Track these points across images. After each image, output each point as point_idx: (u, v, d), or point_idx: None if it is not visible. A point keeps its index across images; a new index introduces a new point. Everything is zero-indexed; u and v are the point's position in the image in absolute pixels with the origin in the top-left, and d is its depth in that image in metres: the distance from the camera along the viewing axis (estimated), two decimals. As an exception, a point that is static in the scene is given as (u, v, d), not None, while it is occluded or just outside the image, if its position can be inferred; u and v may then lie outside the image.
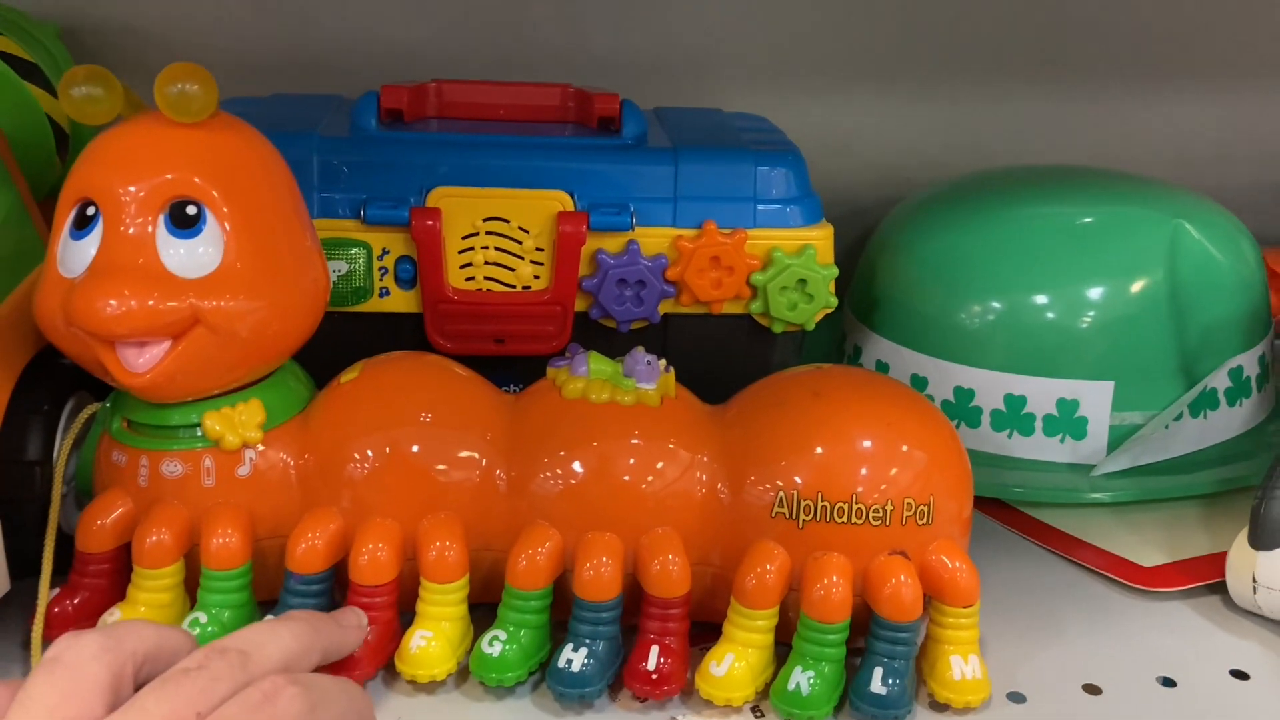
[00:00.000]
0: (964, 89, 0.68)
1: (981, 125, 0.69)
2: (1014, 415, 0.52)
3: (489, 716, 0.38)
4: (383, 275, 0.48)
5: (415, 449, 0.40)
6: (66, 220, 0.37)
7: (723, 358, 0.50)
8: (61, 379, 0.42)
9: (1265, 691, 0.40)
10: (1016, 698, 0.40)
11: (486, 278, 0.49)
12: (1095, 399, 0.51)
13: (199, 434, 0.39)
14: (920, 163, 0.67)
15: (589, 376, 0.41)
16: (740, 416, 0.41)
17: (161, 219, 0.36)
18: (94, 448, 0.42)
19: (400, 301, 0.49)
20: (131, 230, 0.36)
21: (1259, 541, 0.43)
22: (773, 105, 0.62)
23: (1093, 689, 0.40)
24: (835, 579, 0.38)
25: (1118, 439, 0.51)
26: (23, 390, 0.40)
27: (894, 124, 0.68)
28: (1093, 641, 0.43)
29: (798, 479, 0.38)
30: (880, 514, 0.38)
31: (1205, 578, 0.46)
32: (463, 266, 0.48)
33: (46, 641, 0.38)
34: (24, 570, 0.40)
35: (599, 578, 0.38)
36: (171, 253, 0.36)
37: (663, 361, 0.42)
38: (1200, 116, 0.70)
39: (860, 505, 0.38)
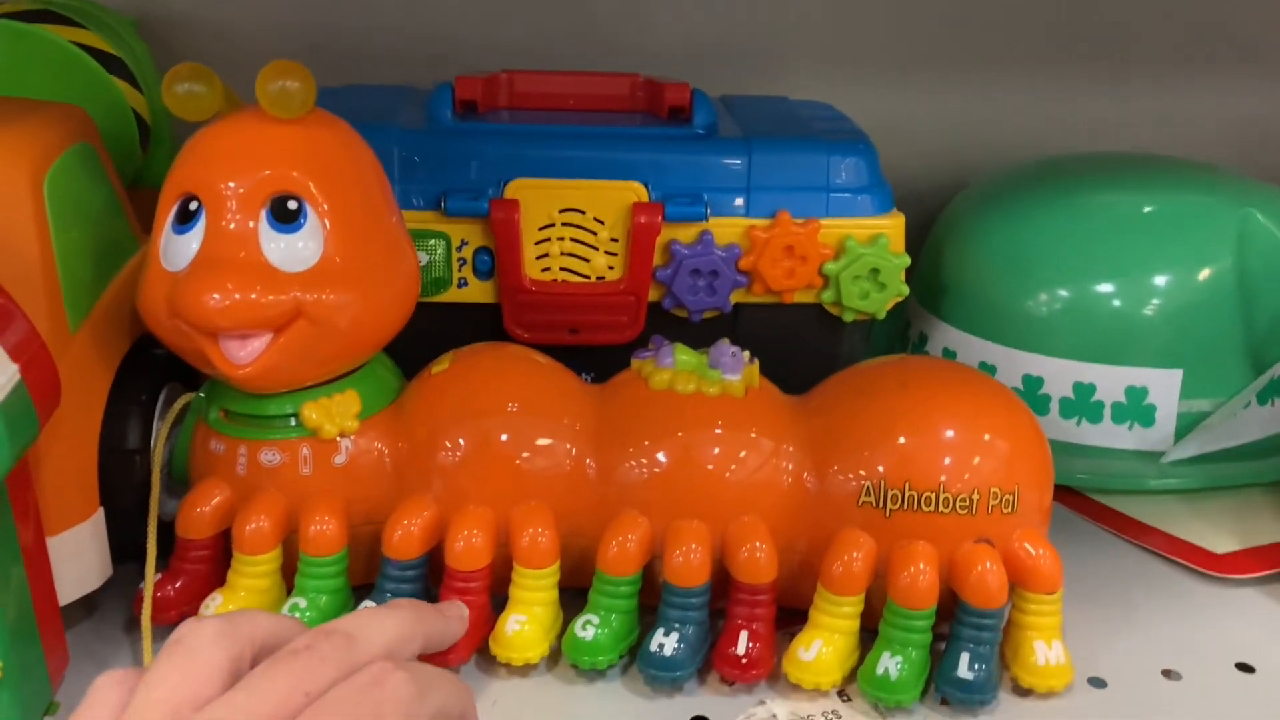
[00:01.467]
0: (1023, 76, 0.68)
1: (1040, 112, 0.69)
2: (1083, 403, 0.52)
3: (581, 699, 0.39)
4: (461, 266, 0.49)
5: (506, 438, 0.40)
6: (169, 214, 0.38)
7: (792, 346, 0.51)
8: (157, 369, 0.43)
9: (1343, 677, 0.41)
10: (1097, 683, 0.40)
11: (562, 268, 0.49)
12: (1163, 386, 0.51)
13: (296, 424, 0.40)
14: (978, 150, 0.67)
15: (675, 368, 0.42)
16: (824, 406, 0.41)
17: (263, 214, 0.37)
18: (189, 437, 0.43)
19: (478, 292, 0.49)
20: (234, 225, 0.37)
21: (1336, 529, 0.43)
22: (833, 92, 0.62)
23: (1172, 674, 0.41)
24: (923, 566, 0.38)
25: (1186, 426, 0.52)
26: (121, 380, 0.41)
27: (952, 111, 0.68)
28: (1169, 627, 0.43)
29: (884, 468, 0.39)
30: (966, 503, 0.39)
31: (1278, 564, 0.46)
32: (539, 257, 0.49)
33: (153, 625, 0.39)
34: (122, 555, 0.42)
35: (689, 564, 0.39)
36: (273, 247, 0.37)
37: (746, 353, 0.43)
38: (1262, 103, 0.69)
39: (947, 495, 0.39)
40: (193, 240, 0.38)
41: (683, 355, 0.42)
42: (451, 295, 0.49)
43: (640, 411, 0.41)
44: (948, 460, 0.39)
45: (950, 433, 0.39)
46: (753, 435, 0.40)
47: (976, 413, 0.40)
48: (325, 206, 0.38)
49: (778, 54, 0.67)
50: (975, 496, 0.39)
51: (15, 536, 0.35)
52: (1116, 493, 0.51)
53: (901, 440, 0.39)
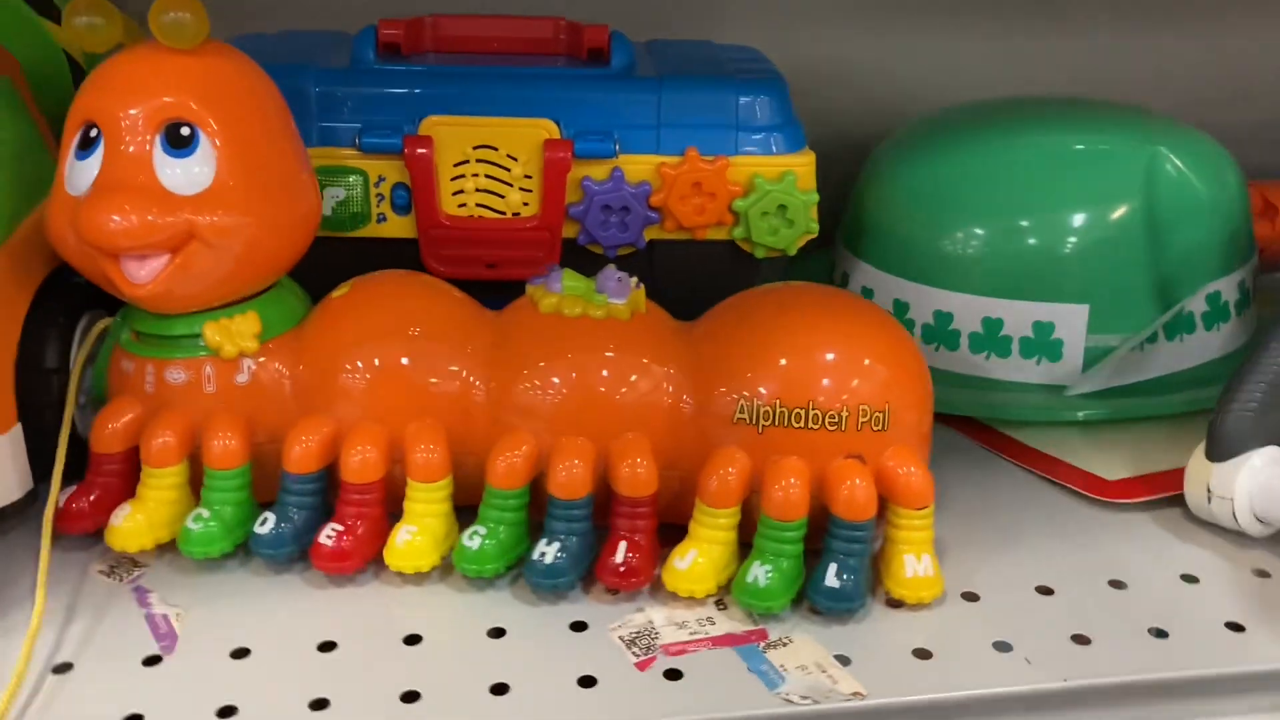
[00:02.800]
0: (954, 23, 0.69)
1: (972, 59, 0.70)
2: (991, 338, 0.53)
3: (471, 606, 0.41)
4: (379, 202, 0.51)
5: (402, 360, 0.42)
6: (73, 142, 0.40)
7: (708, 283, 0.52)
8: (76, 296, 0.45)
9: (1213, 593, 0.42)
10: (970, 597, 0.42)
11: (478, 204, 0.51)
12: (1070, 321, 0.53)
13: (200, 344, 0.42)
14: (913, 96, 0.68)
15: (563, 292, 0.43)
16: (709, 330, 0.43)
17: (158, 139, 0.39)
18: (107, 360, 0.45)
19: (396, 227, 0.51)
20: (130, 150, 0.39)
21: (1213, 453, 0.44)
22: (769, 39, 0.63)
23: (1045, 590, 0.42)
24: (792, 480, 0.40)
25: (1092, 361, 0.53)
26: (39, 305, 0.43)
27: (888, 58, 0.69)
28: (1050, 549, 0.45)
29: (758, 387, 0.41)
30: (836, 419, 0.40)
31: (1165, 490, 0.47)
32: (455, 194, 0.51)
33: (68, 533, 0.42)
34: (46, 472, 0.44)
35: (571, 477, 0.41)
36: (168, 171, 0.39)
37: (634, 279, 0.44)
38: (1187, 51, 0.70)
39: (816, 411, 0.40)
40: (93, 166, 0.39)
41: (570, 280, 0.43)
42: (371, 230, 0.51)
43: (529, 334, 0.42)
44: (818, 378, 0.40)
45: (821, 352, 0.41)
46: (638, 358, 0.42)
47: (850, 334, 0.42)
48: (217, 132, 0.39)
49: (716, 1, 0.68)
50: (845, 413, 0.40)
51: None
52: (1023, 425, 0.52)
53: (772, 360, 0.41)
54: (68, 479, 0.42)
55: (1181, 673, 0.38)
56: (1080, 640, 0.40)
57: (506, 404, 0.42)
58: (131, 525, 0.41)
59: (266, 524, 0.41)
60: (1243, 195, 0.55)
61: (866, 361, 0.41)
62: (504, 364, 0.42)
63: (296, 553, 0.42)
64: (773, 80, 0.52)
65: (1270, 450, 0.44)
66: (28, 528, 0.44)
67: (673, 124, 0.51)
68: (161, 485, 0.42)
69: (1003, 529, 0.46)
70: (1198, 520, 0.46)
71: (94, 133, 0.39)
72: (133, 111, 0.39)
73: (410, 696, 0.37)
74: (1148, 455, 0.50)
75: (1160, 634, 0.40)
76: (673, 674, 0.38)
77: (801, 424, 0.40)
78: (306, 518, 0.42)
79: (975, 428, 0.53)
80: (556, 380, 0.42)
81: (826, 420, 0.40)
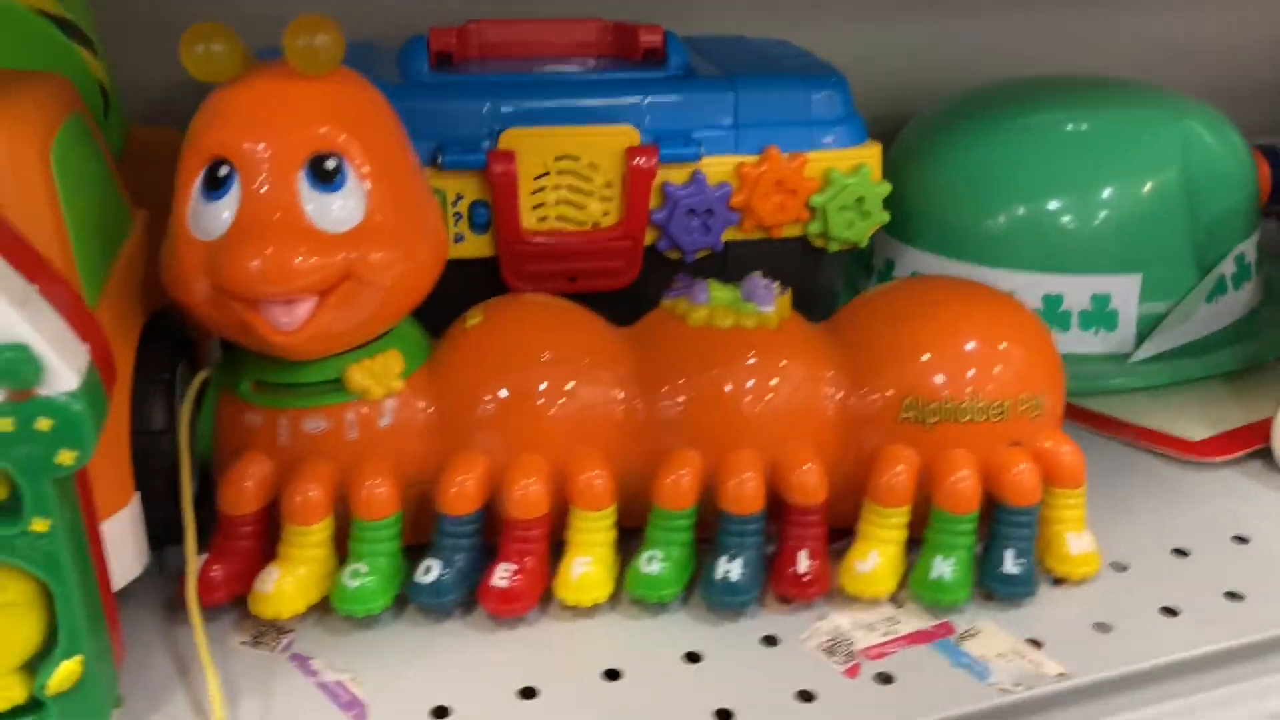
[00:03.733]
0: (940, 6, 0.71)
1: (956, 41, 0.72)
2: (1051, 312, 0.55)
3: (654, 634, 0.40)
4: (457, 221, 0.49)
5: (553, 387, 0.41)
6: (195, 181, 0.37)
7: (779, 280, 0.52)
8: (170, 347, 0.41)
9: (1324, 539, 0.45)
10: (1119, 567, 0.43)
11: (558, 217, 0.49)
12: (1126, 291, 0.55)
13: (339, 388, 0.39)
14: (910, 80, 0.70)
15: (711, 304, 0.42)
16: (854, 331, 0.43)
17: (302, 174, 0.36)
18: (210, 415, 0.41)
19: (475, 246, 0.49)
20: (272, 188, 0.36)
21: (1304, 407, 0.47)
22: (760, 26, 0.64)
23: (1181, 552, 0.44)
24: (965, 473, 0.40)
25: (1145, 328, 0.55)
26: (141, 360, 0.39)
27: (884, 43, 0.70)
28: (1166, 512, 0.47)
29: (921, 384, 0.41)
30: (1000, 410, 0.41)
31: (1248, 445, 0.50)
32: (535, 207, 0.49)
33: (202, 607, 0.38)
34: (156, 541, 0.40)
35: (744, 492, 0.40)
36: (314, 208, 0.36)
37: (777, 284, 0.44)
38: (1158, 22, 0.74)
39: (982, 403, 0.41)
40: (226, 207, 0.36)
41: (717, 291, 0.43)
42: (450, 251, 0.49)
43: (682, 349, 0.42)
44: (979, 371, 0.41)
45: (980, 345, 0.41)
46: (794, 363, 0.41)
47: (999, 324, 0.42)
48: (363, 163, 0.37)
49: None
50: (1006, 403, 0.41)
51: (84, 524, 0.33)
52: (1089, 395, 0.54)
53: (936, 356, 0.41)
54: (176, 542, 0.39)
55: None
56: (1233, 597, 0.42)
57: (665, 422, 0.41)
58: (281, 590, 0.39)
59: (431, 572, 0.39)
60: (1252, 161, 0.59)
61: (1020, 350, 0.42)
62: (659, 381, 0.41)
63: (461, 599, 0.40)
64: (833, 74, 0.52)
65: (1355, 399, 0.47)
66: (138, 602, 0.40)
67: (749, 123, 0.50)
68: (309, 543, 0.39)
69: (1113, 498, 0.48)
70: (1281, 470, 0.49)
71: (224, 170, 0.36)
72: (275, 145, 0.36)
73: (641, 734, 0.36)
74: (1217, 413, 0.52)
75: (1301, 583, 0.42)
76: (883, 678, 0.38)
77: (968, 417, 0.41)
78: (469, 560, 0.40)
79: (1043, 401, 0.55)
80: (717, 393, 0.41)
81: (991, 412, 0.41)
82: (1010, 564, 0.41)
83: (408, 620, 0.40)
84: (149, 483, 0.40)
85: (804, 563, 0.40)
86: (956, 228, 0.57)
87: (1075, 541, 0.42)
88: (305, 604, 0.39)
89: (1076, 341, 0.55)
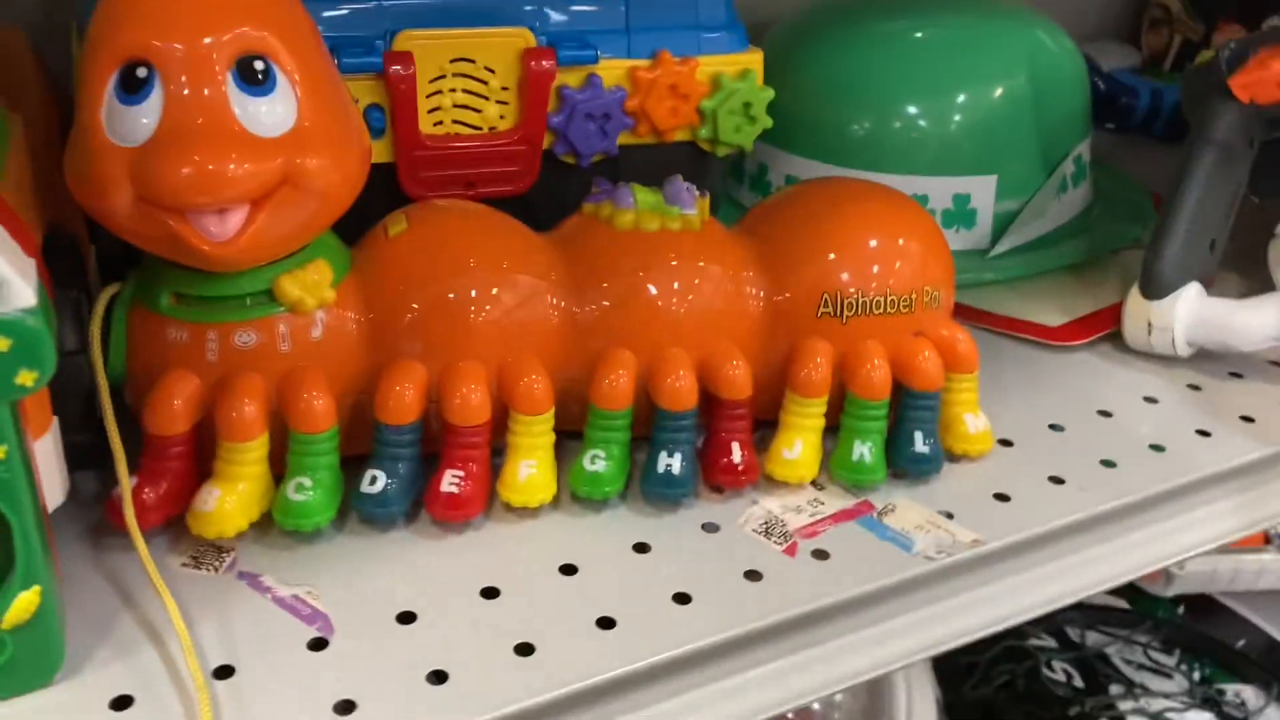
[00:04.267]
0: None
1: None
2: (919, 212, 0.58)
3: (601, 529, 0.41)
4: (354, 127, 0.47)
5: (485, 293, 0.40)
6: (108, 83, 0.34)
7: (669, 184, 0.53)
8: (73, 263, 0.39)
9: (1171, 409, 0.50)
10: (1006, 443, 0.47)
11: (454, 121, 0.48)
12: (983, 191, 0.59)
13: (270, 300, 0.38)
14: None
15: (637, 207, 0.43)
16: (770, 232, 0.44)
17: (230, 77, 0.34)
18: (122, 331, 0.39)
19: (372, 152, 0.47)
20: (200, 91, 0.34)
21: (1151, 292, 0.52)
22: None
23: (1057, 427, 0.49)
24: (877, 362, 0.43)
25: (1000, 225, 0.59)
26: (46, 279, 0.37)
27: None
28: (1035, 393, 0.51)
29: (837, 280, 0.43)
30: (908, 302, 0.44)
31: (1100, 329, 0.55)
32: (430, 110, 0.48)
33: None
34: (74, 465, 0.38)
35: (679, 390, 0.41)
36: (249, 112, 0.35)
37: (696, 188, 0.45)
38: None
39: (894, 296, 0.43)
40: (147, 112, 0.34)
41: (641, 194, 0.43)
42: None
43: (612, 252, 0.42)
44: (890, 267, 0.43)
45: (889, 243, 0.44)
46: (719, 265, 0.43)
47: (902, 223, 0.45)
48: (293, 66, 0.35)
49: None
50: (913, 296, 0.44)
51: (28, 453, 0.31)
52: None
53: (850, 255, 0.43)
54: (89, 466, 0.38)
55: (1187, 477, 0.46)
56: (1108, 464, 0.46)
57: (599, 326, 0.42)
58: (223, 508, 0.37)
59: (376, 483, 0.39)
60: (1086, 67, 0.64)
61: (920, 247, 0.44)
62: (591, 285, 0.42)
63: (407, 508, 0.40)
64: (719, -21, 0.53)
65: (1194, 285, 0.52)
66: (60, 531, 0.38)
67: (641, 28, 0.50)
68: (247, 460, 0.38)
69: (988, 382, 0.52)
70: (1130, 351, 0.54)
71: (143, 72, 0.34)
72: (196, 47, 0.34)
73: (606, 623, 0.37)
74: (1070, 302, 0.57)
75: (1157, 449, 0.47)
76: (820, 554, 0.40)
77: (880, 310, 0.43)
78: (410, 469, 0.40)
79: (912, 296, 0.58)
80: (648, 295, 0.42)
81: (901, 304, 0.43)
82: (920, 444, 0.44)
83: (349, 532, 0.40)
84: (66, 406, 0.37)
85: (737, 453, 0.42)
86: (827, 132, 0.59)
87: (972, 421, 0.45)
88: (247, 521, 0.38)
89: (941, 239, 0.59)
